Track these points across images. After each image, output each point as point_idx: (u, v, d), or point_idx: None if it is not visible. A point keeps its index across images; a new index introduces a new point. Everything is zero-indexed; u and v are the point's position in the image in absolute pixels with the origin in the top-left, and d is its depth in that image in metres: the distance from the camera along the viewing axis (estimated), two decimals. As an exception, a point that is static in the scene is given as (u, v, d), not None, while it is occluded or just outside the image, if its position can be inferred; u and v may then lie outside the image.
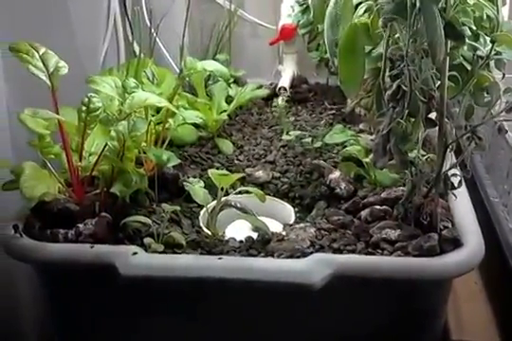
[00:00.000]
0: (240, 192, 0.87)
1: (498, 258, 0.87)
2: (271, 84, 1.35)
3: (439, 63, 0.66)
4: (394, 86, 0.71)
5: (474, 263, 0.73)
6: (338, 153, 1.02)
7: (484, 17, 0.84)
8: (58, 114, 0.77)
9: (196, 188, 0.83)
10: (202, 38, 1.38)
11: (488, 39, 0.72)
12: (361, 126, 1.12)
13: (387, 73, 0.72)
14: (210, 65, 0.94)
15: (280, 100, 1.13)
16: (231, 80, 1.24)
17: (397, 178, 0.88)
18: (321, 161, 1.00)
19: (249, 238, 0.80)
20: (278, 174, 0.99)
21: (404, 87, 0.70)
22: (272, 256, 0.75)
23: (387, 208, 0.82)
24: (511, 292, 0.82)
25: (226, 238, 0.82)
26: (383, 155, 0.73)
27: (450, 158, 0.76)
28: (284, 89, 1.30)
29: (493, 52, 0.72)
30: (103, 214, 0.80)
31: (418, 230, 0.76)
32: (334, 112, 1.22)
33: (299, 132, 1.08)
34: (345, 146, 1.02)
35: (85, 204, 0.82)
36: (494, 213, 0.93)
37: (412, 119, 0.72)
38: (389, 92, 0.72)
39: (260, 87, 1.27)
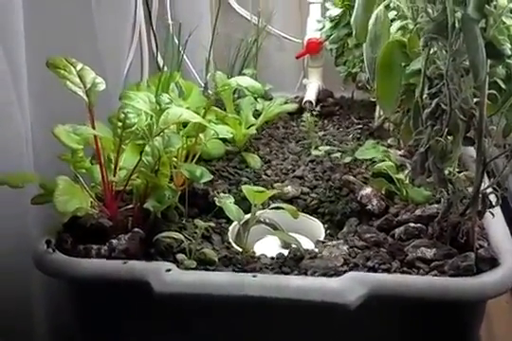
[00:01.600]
0: (272, 208, 0.87)
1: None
2: (296, 98, 1.35)
3: (481, 82, 0.66)
4: (433, 105, 0.71)
5: (511, 283, 0.72)
6: (367, 169, 1.02)
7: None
8: (94, 129, 0.77)
9: (228, 203, 0.82)
10: (229, 52, 1.38)
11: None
12: (390, 141, 1.11)
13: (425, 91, 0.72)
14: (244, 81, 0.94)
15: (308, 115, 1.12)
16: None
17: (430, 195, 0.87)
18: (351, 177, 0.99)
19: (281, 255, 0.80)
20: (307, 190, 0.99)
21: (443, 106, 0.70)
22: (305, 274, 0.75)
23: (421, 226, 0.81)
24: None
25: (257, 254, 0.81)
26: (421, 173, 0.73)
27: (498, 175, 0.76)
28: (310, 103, 1.31)
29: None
30: (136, 230, 0.80)
31: (454, 249, 0.76)
32: (361, 126, 1.22)
33: (328, 147, 1.07)
34: (374, 161, 1.02)
35: (118, 219, 0.82)
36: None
37: (450, 138, 0.71)
38: (427, 110, 0.71)
39: (287, 102, 1.27)
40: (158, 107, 0.88)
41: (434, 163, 0.71)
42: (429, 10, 0.71)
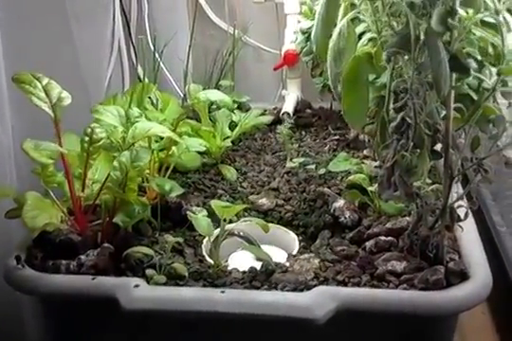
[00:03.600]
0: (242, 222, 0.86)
1: (506, 287, 0.86)
2: (275, 109, 1.35)
3: (444, 96, 0.66)
4: (399, 119, 0.71)
5: (482, 297, 0.72)
6: (342, 181, 1.02)
7: (490, 48, 0.84)
8: (61, 144, 0.77)
9: (199, 217, 0.82)
10: (206, 63, 1.38)
11: (494, 70, 0.72)
12: (365, 152, 1.12)
13: (391, 105, 0.72)
14: (213, 95, 0.94)
15: (283, 127, 1.12)
16: (235, 105, 1.24)
17: (402, 207, 0.87)
18: (326, 188, 0.99)
19: (253, 269, 0.80)
20: (282, 202, 0.99)
21: (408, 120, 0.70)
22: (276, 288, 0.75)
23: (392, 239, 0.81)
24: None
25: (229, 268, 0.81)
26: (388, 188, 0.73)
27: (457, 189, 0.76)
28: (288, 114, 1.30)
29: (499, 84, 0.72)
30: (106, 245, 0.79)
31: (424, 262, 0.75)
32: (338, 137, 1.22)
33: (303, 158, 1.07)
34: (349, 173, 1.02)
35: (87, 234, 0.81)
36: (501, 242, 0.91)
37: (417, 151, 0.71)
38: (393, 124, 0.71)
39: (264, 113, 1.27)
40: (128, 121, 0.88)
41: (400, 177, 0.71)
42: (394, 24, 0.71)
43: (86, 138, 0.79)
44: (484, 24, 0.93)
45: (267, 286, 0.75)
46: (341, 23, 0.72)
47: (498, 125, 0.70)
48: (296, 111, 1.33)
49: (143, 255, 0.79)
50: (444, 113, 0.72)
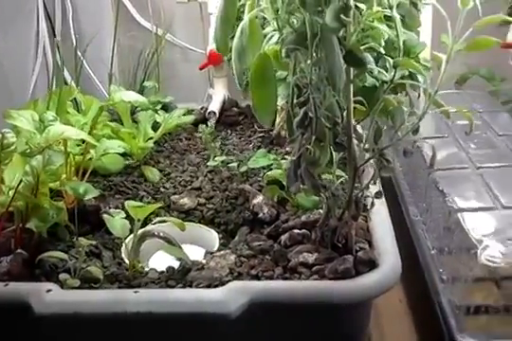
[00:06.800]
0: (156, 222, 0.86)
1: (417, 275, 0.88)
2: (202, 108, 1.36)
3: (339, 91, 0.67)
4: (302, 113, 0.72)
5: (389, 284, 0.74)
6: (264, 177, 1.03)
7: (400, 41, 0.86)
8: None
9: (115, 219, 0.82)
10: (130, 64, 1.38)
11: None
12: (288, 148, 1.13)
13: (295, 100, 0.73)
14: (129, 96, 0.94)
15: (204, 126, 1.13)
16: (159, 106, 1.24)
17: (317, 201, 0.89)
18: (247, 185, 1.00)
19: (170, 268, 0.80)
20: (203, 200, 0.99)
21: (310, 114, 0.71)
22: (191, 286, 0.75)
23: (306, 232, 0.82)
24: (429, 309, 0.83)
25: (146, 269, 0.81)
26: (295, 180, 0.74)
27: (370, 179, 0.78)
28: (214, 113, 1.31)
29: (397, 76, 0.74)
30: (19, 251, 0.79)
31: (335, 253, 0.77)
32: (263, 135, 1.23)
33: (224, 157, 1.08)
34: (271, 169, 1.03)
35: (0, 241, 0.80)
36: (414, 231, 0.94)
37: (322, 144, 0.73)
38: (297, 119, 0.73)
39: (189, 113, 1.27)
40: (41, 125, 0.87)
41: (306, 170, 0.73)
42: (295, 21, 0.72)
43: (-5, 144, 0.78)
44: (387, 18, 0.96)
45: (182, 284, 0.76)
46: (244, 21, 0.73)
47: (396, 117, 0.72)
48: (223, 110, 1.34)
49: (58, 259, 0.79)
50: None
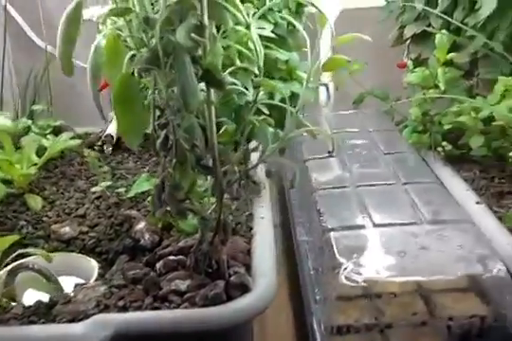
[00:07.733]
0: (22, 255, 0.82)
1: (297, 296, 0.87)
2: (101, 132, 1.32)
3: (193, 111, 0.65)
4: (162, 135, 0.70)
5: (261, 307, 0.71)
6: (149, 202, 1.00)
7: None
8: None
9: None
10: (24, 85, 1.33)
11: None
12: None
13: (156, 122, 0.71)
14: (-4, 122, 0.90)
15: (90, 150, 1.09)
16: (48, 130, 1.20)
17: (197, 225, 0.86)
18: (133, 211, 0.97)
19: (37, 302, 0.75)
20: (86, 229, 0.95)
21: (170, 136, 0.69)
22: (54, 321, 0.71)
23: (182, 258, 0.79)
24: (305, 330, 0.81)
25: (13, 304, 0.76)
26: (160, 206, 0.72)
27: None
28: (111, 137, 1.28)
29: (260, 97, 0.73)
30: None
31: (208, 279, 0.75)
32: (156, 158, 1.20)
33: (110, 182, 1.04)
34: (160, 193, 1.00)
35: None
36: (299, 252, 0.93)
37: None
38: (159, 141, 0.70)
39: (86, 136, 1.24)
40: None
41: (171, 194, 0.70)
42: (153, 40, 0.70)
43: None
44: (269, 39, 0.95)
45: (45, 319, 0.71)
46: (97, 39, 0.71)
47: (259, 138, 0.71)
48: (121, 133, 1.31)
49: None
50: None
